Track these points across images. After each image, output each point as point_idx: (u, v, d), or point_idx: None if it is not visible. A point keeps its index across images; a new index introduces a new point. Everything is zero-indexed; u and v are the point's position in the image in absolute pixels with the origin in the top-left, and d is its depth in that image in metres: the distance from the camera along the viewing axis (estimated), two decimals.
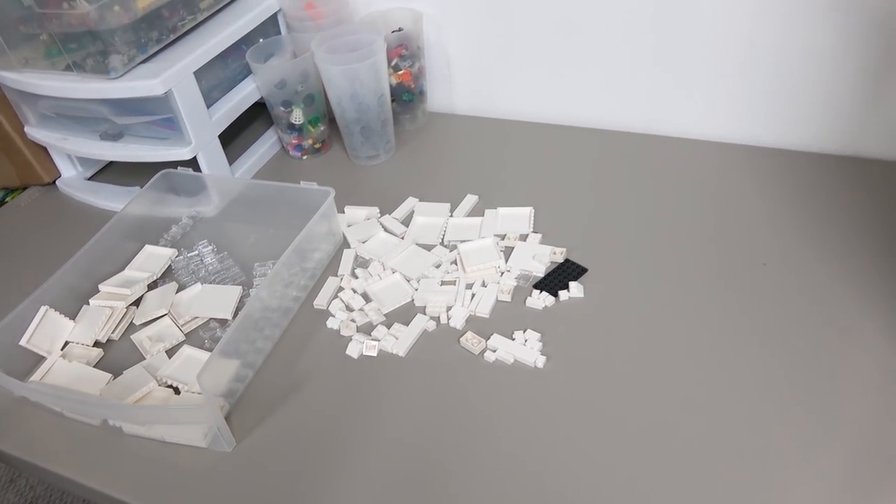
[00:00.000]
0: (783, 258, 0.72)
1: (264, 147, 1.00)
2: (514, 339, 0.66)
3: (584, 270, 0.73)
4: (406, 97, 0.98)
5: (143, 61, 0.82)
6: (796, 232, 0.75)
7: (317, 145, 0.98)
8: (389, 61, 0.93)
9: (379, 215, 0.85)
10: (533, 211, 0.82)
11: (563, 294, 0.71)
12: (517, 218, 0.81)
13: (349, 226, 0.84)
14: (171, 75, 0.79)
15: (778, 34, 0.80)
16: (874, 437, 0.55)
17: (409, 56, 0.95)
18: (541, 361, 0.64)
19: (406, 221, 0.84)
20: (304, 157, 0.99)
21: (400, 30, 0.94)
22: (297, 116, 0.94)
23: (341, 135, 0.95)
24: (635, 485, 0.54)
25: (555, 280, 0.72)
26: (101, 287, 0.76)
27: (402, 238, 0.81)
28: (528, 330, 0.67)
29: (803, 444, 0.55)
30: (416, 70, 0.96)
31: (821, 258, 0.71)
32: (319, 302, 0.74)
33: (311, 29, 0.95)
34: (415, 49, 0.95)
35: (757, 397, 0.59)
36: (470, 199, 0.85)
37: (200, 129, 0.86)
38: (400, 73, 0.95)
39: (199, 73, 0.84)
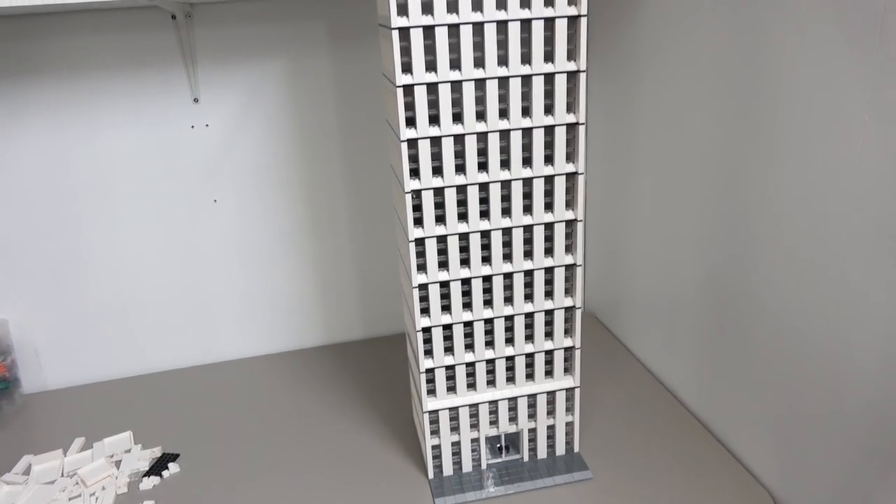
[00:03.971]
0: (308, 419, 1.18)
1: None
2: None
3: (177, 455, 1.07)
4: (2, 385, 1.21)
5: None
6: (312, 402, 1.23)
7: None
8: None
9: None
10: (131, 433, 1.13)
11: (165, 473, 1.03)
12: (121, 440, 1.12)
13: None
14: None
15: (271, 281, 1.35)
16: None
17: (0, 353, 1.21)
18: None
19: (27, 472, 1.06)
20: None
21: None
22: None
23: None
24: None
25: (158, 467, 1.04)
26: None
27: (25, 484, 1.03)
28: (145, 501, 0.97)
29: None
30: (10, 362, 1.22)
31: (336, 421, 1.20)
32: None
33: None
34: (5, 347, 1.22)
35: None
36: (78, 441, 1.12)
37: None
38: None
39: None
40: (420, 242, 0.87)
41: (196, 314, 1.34)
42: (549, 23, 0.80)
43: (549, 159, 0.86)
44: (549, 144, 0.85)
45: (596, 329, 1.41)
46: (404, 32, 0.78)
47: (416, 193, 0.84)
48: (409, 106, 0.81)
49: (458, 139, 0.83)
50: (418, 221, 0.86)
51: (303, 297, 1.38)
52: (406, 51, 0.79)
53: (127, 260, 1.27)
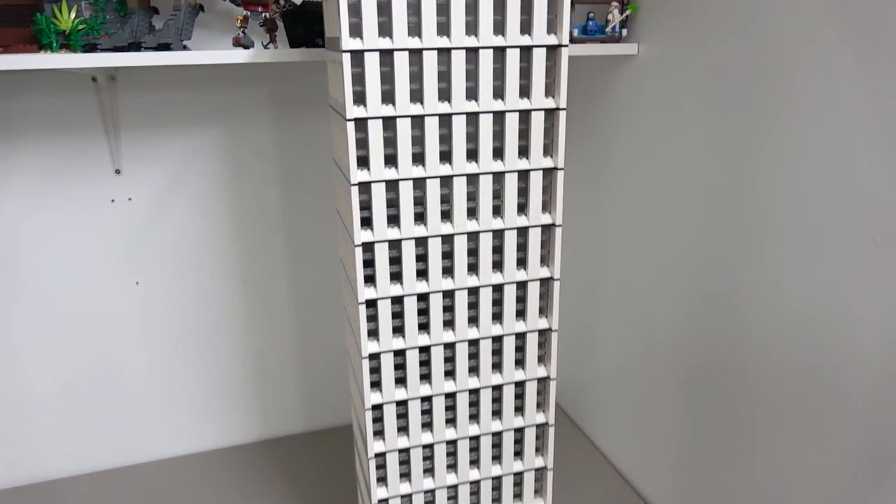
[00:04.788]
0: None
1: None
2: None
3: None
4: None
5: None
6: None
7: None
8: None
9: None
10: None
11: None
12: None
13: None
14: None
15: (199, 371, 1.19)
16: None
17: None
18: None
19: None
20: None
21: None
22: None
23: None
24: None
25: None
26: None
27: None
28: None
29: None
30: None
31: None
32: None
33: None
34: None
35: None
36: None
37: None
38: None
39: None
40: (375, 357, 0.75)
41: (111, 410, 1.17)
42: (525, 115, 0.72)
43: (521, 263, 0.77)
44: (522, 247, 0.76)
45: (560, 421, 1.31)
46: (361, 123, 0.68)
47: (372, 303, 0.73)
48: (366, 205, 0.70)
49: (421, 242, 0.73)
50: (373, 333, 0.74)
51: (236, 387, 1.23)
52: (363, 143, 0.68)
53: (30, 348, 1.10)
